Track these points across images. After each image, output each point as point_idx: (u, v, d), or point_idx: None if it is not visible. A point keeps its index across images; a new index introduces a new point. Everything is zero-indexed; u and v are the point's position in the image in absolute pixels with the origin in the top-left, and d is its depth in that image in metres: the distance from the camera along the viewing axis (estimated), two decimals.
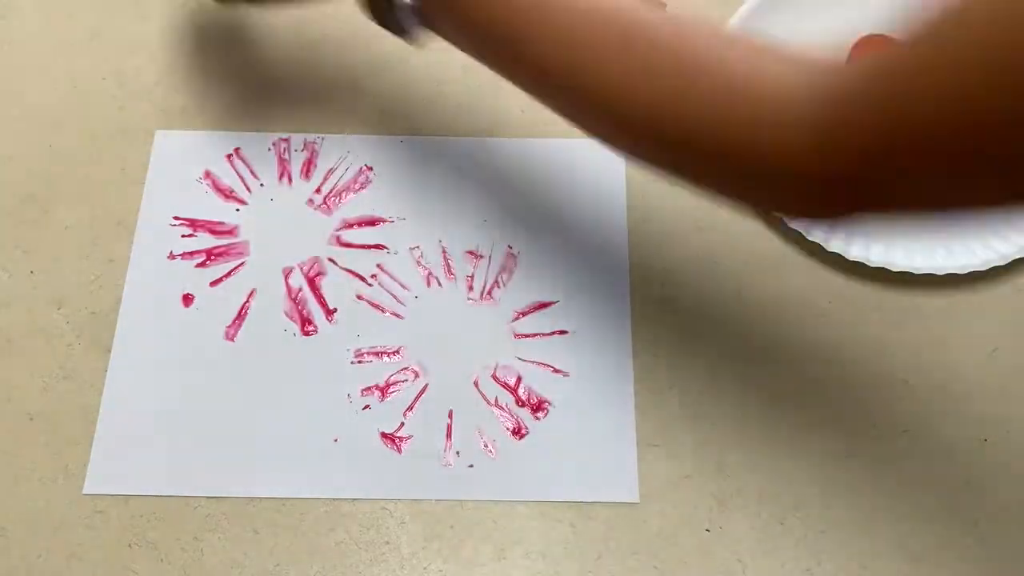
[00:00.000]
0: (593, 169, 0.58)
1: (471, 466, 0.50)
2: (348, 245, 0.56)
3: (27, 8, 0.64)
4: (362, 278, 0.55)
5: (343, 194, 0.58)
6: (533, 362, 0.53)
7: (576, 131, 0.59)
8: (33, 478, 0.50)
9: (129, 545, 0.49)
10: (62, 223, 0.57)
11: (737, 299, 0.55)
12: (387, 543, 0.49)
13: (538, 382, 0.52)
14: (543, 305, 0.54)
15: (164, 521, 0.49)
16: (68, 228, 0.56)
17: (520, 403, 0.52)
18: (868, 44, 0.57)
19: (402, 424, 0.51)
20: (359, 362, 0.53)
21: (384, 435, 0.51)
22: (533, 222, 0.57)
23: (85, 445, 0.51)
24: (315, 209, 0.57)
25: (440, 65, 0.62)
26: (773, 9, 0.59)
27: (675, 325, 0.54)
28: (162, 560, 0.48)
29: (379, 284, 0.55)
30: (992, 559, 0.49)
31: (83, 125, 0.59)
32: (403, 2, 0.46)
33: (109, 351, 0.53)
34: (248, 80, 0.61)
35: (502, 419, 0.52)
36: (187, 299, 0.54)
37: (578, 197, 0.57)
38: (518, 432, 0.51)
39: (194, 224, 0.57)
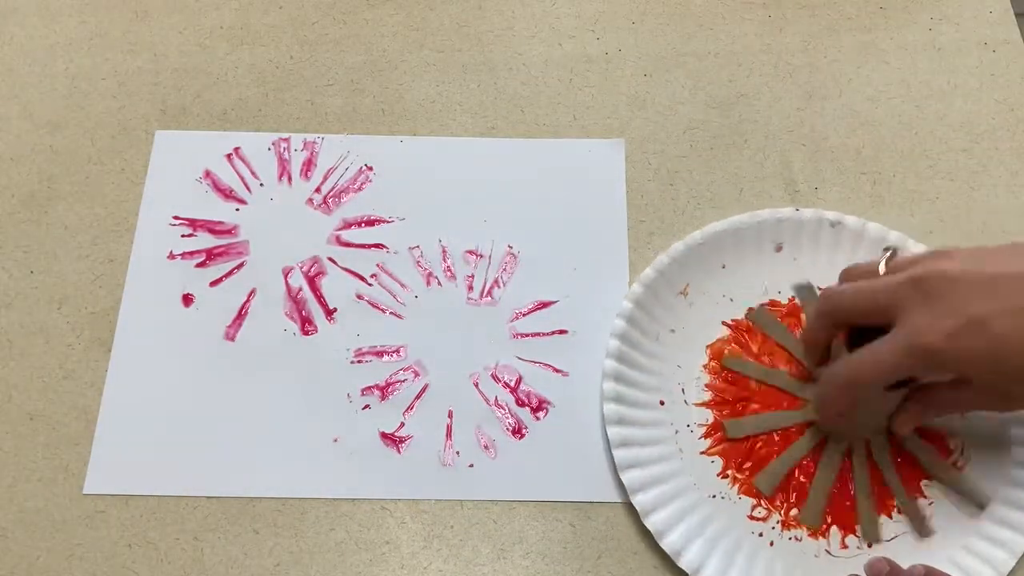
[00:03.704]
0: (593, 169, 0.58)
1: (471, 466, 0.50)
2: (348, 245, 0.56)
3: (27, 8, 0.64)
4: (362, 278, 0.55)
5: (343, 194, 0.57)
6: (533, 362, 0.53)
7: (576, 131, 0.59)
8: (33, 478, 0.50)
9: (129, 545, 0.49)
10: (62, 223, 0.57)
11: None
12: (387, 543, 0.49)
13: (538, 382, 0.52)
14: (543, 305, 0.54)
15: (164, 521, 0.49)
16: (68, 228, 0.56)
17: (520, 403, 0.52)
18: None
19: (402, 424, 0.51)
20: (359, 362, 0.53)
21: (384, 435, 0.51)
22: (533, 222, 0.57)
23: (85, 445, 0.51)
24: (315, 209, 0.57)
25: (440, 65, 0.62)
26: None
27: None
28: (162, 560, 0.48)
29: (379, 284, 0.55)
30: None
31: (83, 125, 0.59)
32: None
33: (109, 351, 0.53)
34: (248, 80, 0.61)
35: (502, 419, 0.52)
36: (187, 299, 0.54)
37: (578, 197, 0.57)
38: (518, 432, 0.51)
39: (194, 224, 0.57)
